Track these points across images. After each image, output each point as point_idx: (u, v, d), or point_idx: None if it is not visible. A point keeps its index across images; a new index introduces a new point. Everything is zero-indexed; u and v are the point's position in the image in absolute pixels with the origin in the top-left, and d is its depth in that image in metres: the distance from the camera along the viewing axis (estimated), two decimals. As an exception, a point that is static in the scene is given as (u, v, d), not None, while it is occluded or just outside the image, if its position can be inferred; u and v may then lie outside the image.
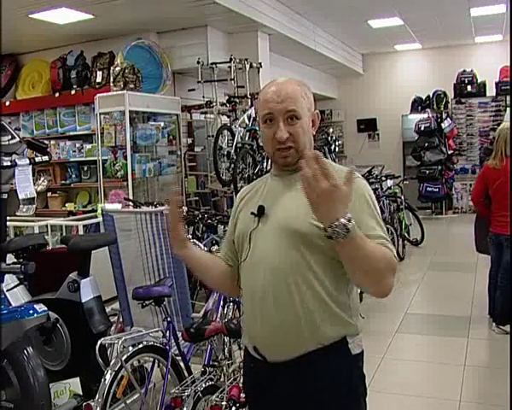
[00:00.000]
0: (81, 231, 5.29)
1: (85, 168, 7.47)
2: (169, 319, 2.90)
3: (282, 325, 1.58)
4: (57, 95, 7.58)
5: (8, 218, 3.47)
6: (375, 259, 1.44)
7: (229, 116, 6.83)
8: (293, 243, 1.57)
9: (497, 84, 11.34)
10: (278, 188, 1.68)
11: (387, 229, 6.30)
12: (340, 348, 1.59)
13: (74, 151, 7.34)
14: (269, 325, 1.60)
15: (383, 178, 8.33)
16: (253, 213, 1.66)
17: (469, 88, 11.63)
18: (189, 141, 7.99)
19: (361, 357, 1.67)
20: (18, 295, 3.24)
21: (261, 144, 5.37)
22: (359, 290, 1.69)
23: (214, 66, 6.87)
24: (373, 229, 1.55)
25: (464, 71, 11.70)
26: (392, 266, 1.49)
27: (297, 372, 1.59)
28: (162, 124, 6.91)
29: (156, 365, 2.87)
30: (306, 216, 1.53)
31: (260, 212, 1.65)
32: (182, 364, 2.94)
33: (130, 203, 5.25)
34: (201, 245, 3.86)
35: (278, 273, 1.58)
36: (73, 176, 7.60)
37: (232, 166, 6.03)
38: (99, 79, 7.18)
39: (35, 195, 3.33)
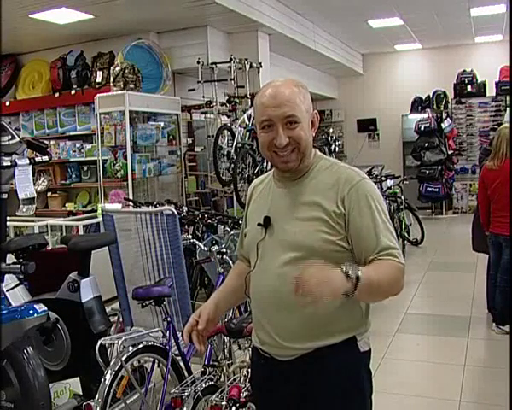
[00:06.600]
0: (81, 231, 5.28)
1: (85, 168, 7.46)
2: (169, 319, 2.90)
3: (290, 329, 1.60)
4: (57, 95, 7.58)
5: (8, 218, 3.47)
6: (388, 284, 1.54)
7: (229, 116, 6.82)
8: (302, 256, 1.58)
9: (497, 84, 11.34)
10: (283, 199, 1.67)
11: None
12: (349, 345, 1.61)
13: (74, 151, 7.33)
14: (277, 329, 1.63)
15: (383, 178, 8.34)
16: (259, 224, 1.67)
17: (469, 88, 11.63)
18: (189, 141, 7.98)
19: (368, 355, 1.68)
20: (18, 295, 3.23)
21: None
22: None
23: (214, 66, 6.86)
24: (375, 239, 1.55)
25: (464, 71, 11.70)
26: (401, 274, 1.56)
27: (306, 368, 1.61)
28: (162, 124, 6.90)
29: (156, 365, 2.87)
30: (317, 231, 1.56)
31: (266, 223, 1.66)
32: (182, 364, 2.94)
33: (130, 203, 5.25)
34: (202, 245, 3.86)
35: (286, 283, 1.58)
36: (73, 176, 7.60)
37: (232, 166, 6.03)
38: (99, 79, 7.18)
39: (35, 195, 3.32)
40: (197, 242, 3.94)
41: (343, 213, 1.57)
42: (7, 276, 3.09)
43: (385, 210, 1.62)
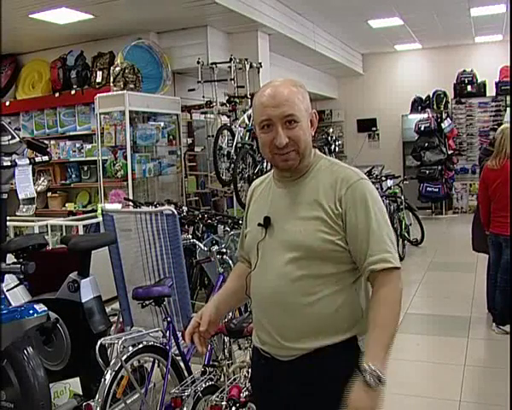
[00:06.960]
0: (81, 231, 5.28)
1: (85, 168, 7.46)
2: (169, 319, 2.90)
3: (291, 329, 1.60)
4: (57, 95, 7.58)
5: (8, 218, 3.47)
6: (395, 321, 1.54)
7: (229, 116, 6.83)
8: (301, 255, 1.58)
9: (497, 84, 11.34)
10: (283, 199, 1.67)
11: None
12: (350, 345, 1.61)
13: (74, 151, 7.33)
14: (278, 329, 1.63)
15: (383, 178, 8.34)
16: (260, 225, 1.67)
17: (469, 88, 11.63)
18: (189, 141, 7.98)
19: None
20: (18, 295, 3.23)
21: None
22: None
23: (214, 66, 6.86)
24: (367, 241, 1.55)
25: (464, 71, 11.70)
26: (396, 285, 1.55)
27: (306, 368, 1.61)
28: (162, 124, 6.90)
29: (156, 365, 2.87)
30: (316, 231, 1.56)
31: (266, 223, 1.66)
32: (182, 364, 2.94)
33: (130, 203, 5.25)
34: (202, 245, 3.86)
35: (287, 283, 1.60)
36: (73, 176, 7.60)
37: (232, 166, 6.03)
38: (99, 79, 7.18)
39: (35, 195, 3.32)
40: (197, 242, 3.94)
41: (341, 212, 1.58)
42: (7, 276, 3.09)
43: (382, 211, 1.61)
